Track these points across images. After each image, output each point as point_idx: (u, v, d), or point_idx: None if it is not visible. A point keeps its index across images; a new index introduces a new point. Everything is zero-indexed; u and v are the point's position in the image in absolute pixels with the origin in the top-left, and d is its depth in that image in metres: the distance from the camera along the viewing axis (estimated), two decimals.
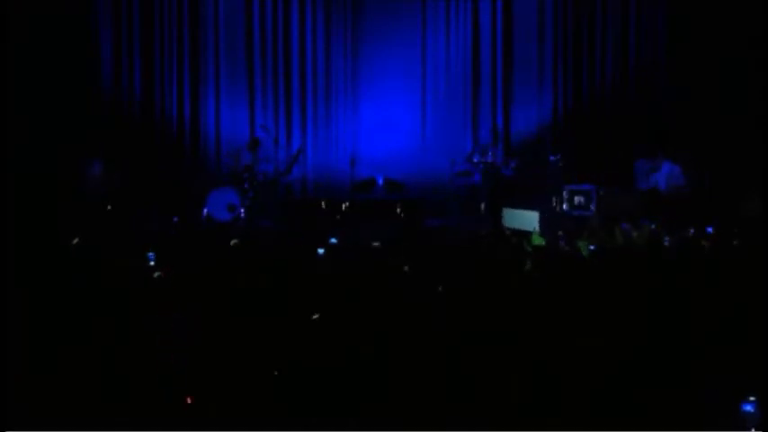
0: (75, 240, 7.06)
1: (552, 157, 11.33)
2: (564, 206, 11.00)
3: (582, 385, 3.38)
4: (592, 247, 6.76)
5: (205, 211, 11.05)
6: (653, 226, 9.13)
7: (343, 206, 10.97)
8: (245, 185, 11.20)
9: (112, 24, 12.25)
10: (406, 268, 5.64)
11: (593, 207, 10.95)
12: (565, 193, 11.14)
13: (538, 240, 7.58)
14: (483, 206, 11.17)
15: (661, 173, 10.93)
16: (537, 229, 9.26)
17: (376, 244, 7.36)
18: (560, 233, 8.57)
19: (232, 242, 7.63)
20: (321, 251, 6.71)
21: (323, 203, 10.98)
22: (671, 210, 10.29)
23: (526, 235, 8.23)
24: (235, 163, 11.33)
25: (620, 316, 4.19)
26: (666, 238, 7.82)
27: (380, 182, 11.76)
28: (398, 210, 11.01)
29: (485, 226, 10.46)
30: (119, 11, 12.28)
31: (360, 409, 3.29)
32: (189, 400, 3.25)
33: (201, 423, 3.15)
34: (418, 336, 3.96)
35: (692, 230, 8.57)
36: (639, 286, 4.91)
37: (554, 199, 11.13)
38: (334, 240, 7.62)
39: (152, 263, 5.98)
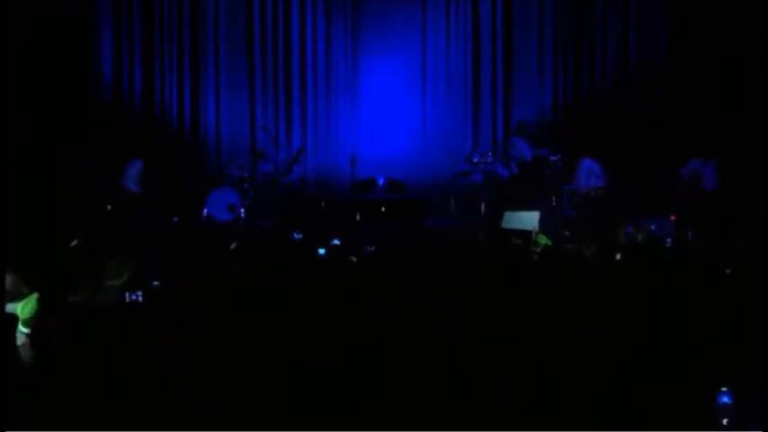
0: (75, 241, 7.05)
1: (552, 158, 11.34)
2: (564, 206, 11.02)
3: (582, 385, 3.38)
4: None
5: (205, 211, 11.04)
6: (652, 227, 9.15)
7: (344, 206, 10.97)
8: (245, 185, 11.20)
9: (112, 24, 12.26)
10: (405, 269, 5.64)
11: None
12: (565, 193, 11.17)
13: (543, 240, 7.59)
14: (483, 207, 11.18)
15: (580, 170, 10.97)
16: (536, 228, 9.27)
17: (371, 248, 7.38)
18: (566, 233, 8.59)
19: (232, 246, 7.62)
20: (321, 251, 6.71)
21: (323, 203, 10.98)
22: (594, 208, 10.40)
23: (528, 235, 8.24)
24: (238, 171, 11.33)
25: (620, 316, 4.19)
26: (668, 240, 7.83)
27: (380, 182, 11.76)
28: (398, 210, 11.02)
29: (484, 226, 10.46)
30: (119, 11, 12.28)
31: (360, 409, 3.29)
32: None
33: (201, 423, 3.15)
34: (418, 336, 3.96)
35: (690, 234, 8.58)
36: (640, 286, 4.91)
37: (554, 199, 11.14)
38: (336, 242, 7.62)
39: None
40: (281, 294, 4.71)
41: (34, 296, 4.21)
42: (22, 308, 4.13)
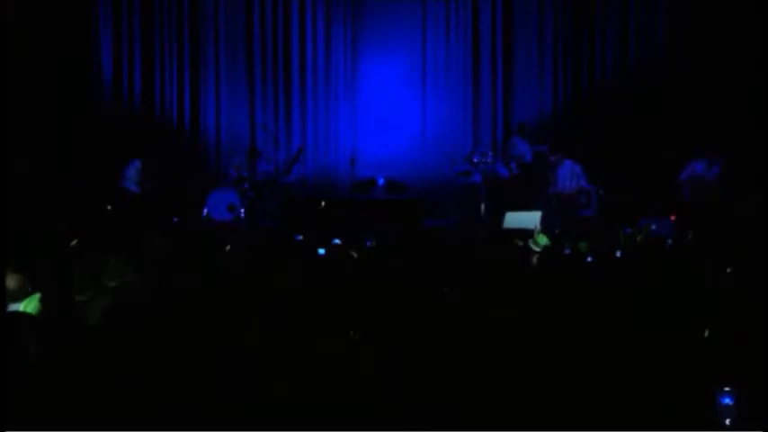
0: (75, 241, 7.05)
1: (552, 158, 11.33)
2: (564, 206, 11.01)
3: (582, 385, 3.38)
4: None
5: (205, 211, 11.04)
6: (653, 227, 9.14)
7: (344, 206, 10.96)
8: (245, 185, 11.21)
9: (112, 24, 12.26)
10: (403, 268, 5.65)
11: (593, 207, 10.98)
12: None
13: (543, 240, 7.57)
14: (483, 207, 11.17)
15: (562, 172, 10.95)
16: (538, 227, 9.27)
17: (372, 243, 7.39)
18: (558, 231, 8.58)
19: (227, 248, 7.63)
20: (321, 251, 6.71)
21: (323, 203, 10.99)
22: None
23: (529, 234, 8.22)
24: (236, 171, 11.33)
25: (619, 316, 4.19)
26: (669, 241, 7.82)
27: (380, 182, 11.76)
28: (398, 210, 11.01)
29: (484, 226, 10.46)
30: (119, 11, 12.28)
31: (358, 409, 3.29)
32: None
33: (201, 423, 3.15)
34: (417, 336, 3.96)
35: (690, 234, 8.57)
36: (639, 287, 4.92)
37: (554, 199, 11.14)
38: (336, 241, 7.62)
39: None
40: (281, 294, 4.72)
41: (37, 296, 4.21)
42: (25, 307, 4.13)
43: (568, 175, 10.96)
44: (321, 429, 3.13)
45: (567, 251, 6.51)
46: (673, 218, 10.01)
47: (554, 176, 11.07)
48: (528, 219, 9.83)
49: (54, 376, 3.27)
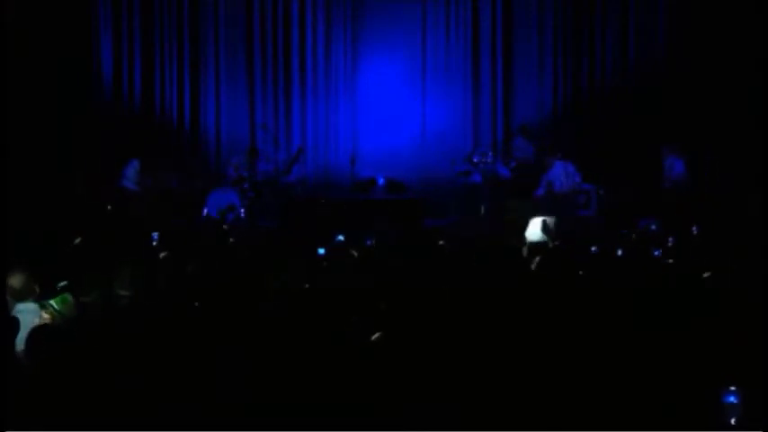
0: (77, 240, 7.06)
1: (548, 159, 11.30)
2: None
3: (582, 385, 3.38)
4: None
5: (205, 211, 11.03)
6: (653, 227, 9.13)
7: (344, 206, 10.94)
8: (245, 185, 11.20)
9: (112, 24, 12.25)
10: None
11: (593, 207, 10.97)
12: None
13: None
14: (483, 207, 11.16)
15: (554, 173, 10.90)
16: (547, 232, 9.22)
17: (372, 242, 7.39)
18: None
19: (230, 240, 7.66)
20: (321, 251, 6.70)
21: (323, 203, 10.98)
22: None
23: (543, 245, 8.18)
24: (236, 172, 11.34)
25: (618, 315, 4.19)
26: (670, 239, 7.81)
27: (380, 182, 11.75)
28: (398, 210, 10.98)
29: (485, 226, 10.44)
30: (119, 11, 12.28)
31: (358, 409, 3.29)
32: None
33: (201, 423, 3.15)
34: (417, 335, 3.96)
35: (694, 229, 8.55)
36: (638, 287, 4.92)
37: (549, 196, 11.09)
38: (341, 238, 7.61)
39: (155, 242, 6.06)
40: (281, 294, 4.72)
41: (68, 295, 4.25)
42: (57, 302, 4.18)
43: (563, 175, 10.93)
44: (321, 429, 3.13)
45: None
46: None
47: (544, 179, 10.99)
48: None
49: (54, 376, 3.27)
